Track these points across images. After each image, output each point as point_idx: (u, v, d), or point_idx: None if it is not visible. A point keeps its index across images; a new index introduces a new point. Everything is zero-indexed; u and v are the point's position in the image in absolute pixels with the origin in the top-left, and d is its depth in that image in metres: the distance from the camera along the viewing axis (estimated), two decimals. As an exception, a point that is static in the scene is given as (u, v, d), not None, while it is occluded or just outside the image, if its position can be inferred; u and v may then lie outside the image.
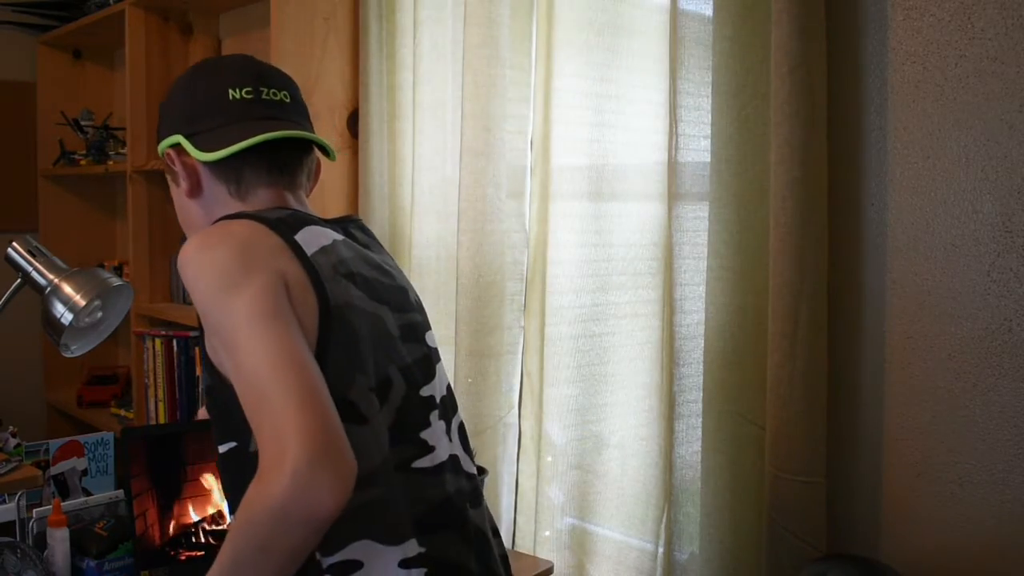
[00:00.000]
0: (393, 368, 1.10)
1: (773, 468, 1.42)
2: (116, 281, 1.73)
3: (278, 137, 1.15)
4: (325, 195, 2.25)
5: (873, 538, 1.43)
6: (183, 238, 2.73)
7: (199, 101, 1.18)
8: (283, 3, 2.18)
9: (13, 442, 2.17)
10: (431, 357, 1.20)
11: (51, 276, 1.68)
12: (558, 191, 1.81)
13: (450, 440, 1.17)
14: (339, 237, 1.14)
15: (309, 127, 1.24)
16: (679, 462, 1.59)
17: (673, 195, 1.57)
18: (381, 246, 1.28)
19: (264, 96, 1.18)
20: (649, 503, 1.68)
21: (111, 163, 2.99)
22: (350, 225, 1.23)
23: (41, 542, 1.62)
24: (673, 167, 1.56)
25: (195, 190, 1.19)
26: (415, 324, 1.19)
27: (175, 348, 2.63)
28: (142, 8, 2.73)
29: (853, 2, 1.43)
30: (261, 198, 1.17)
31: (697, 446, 1.59)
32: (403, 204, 2.21)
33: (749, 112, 1.48)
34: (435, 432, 1.13)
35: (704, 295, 1.55)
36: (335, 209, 2.26)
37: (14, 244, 1.72)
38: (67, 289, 1.66)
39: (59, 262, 1.72)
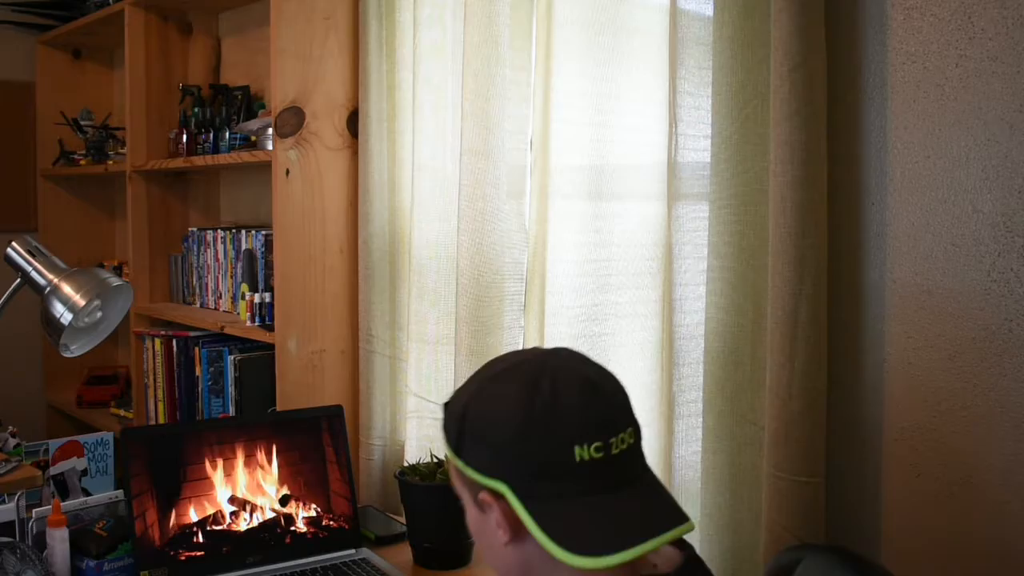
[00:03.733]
0: None
1: (772, 468, 1.42)
2: (116, 281, 1.73)
3: (656, 546, 0.95)
4: (325, 195, 2.25)
5: (873, 538, 1.43)
6: (184, 237, 2.77)
7: (534, 453, 0.97)
8: (282, 2, 2.18)
9: (13, 442, 2.17)
10: None
11: (50, 276, 1.68)
12: (558, 191, 1.80)
13: None
14: None
15: (645, 464, 1.06)
16: (679, 462, 1.59)
17: (673, 195, 1.57)
18: None
19: (614, 450, 0.99)
20: (649, 503, 1.68)
21: (110, 163, 2.99)
22: None
23: (40, 542, 1.62)
24: (673, 167, 1.56)
25: (514, 540, 1.00)
26: None
27: (175, 348, 2.63)
28: (141, 7, 2.73)
29: (853, 2, 1.43)
30: None
31: (697, 446, 1.58)
32: (403, 204, 2.20)
33: (749, 112, 1.48)
34: None
35: (704, 295, 1.55)
36: (335, 209, 2.27)
37: (13, 244, 1.72)
38: (66, 289, 1.66)
39: (58, 262, 1.72)
